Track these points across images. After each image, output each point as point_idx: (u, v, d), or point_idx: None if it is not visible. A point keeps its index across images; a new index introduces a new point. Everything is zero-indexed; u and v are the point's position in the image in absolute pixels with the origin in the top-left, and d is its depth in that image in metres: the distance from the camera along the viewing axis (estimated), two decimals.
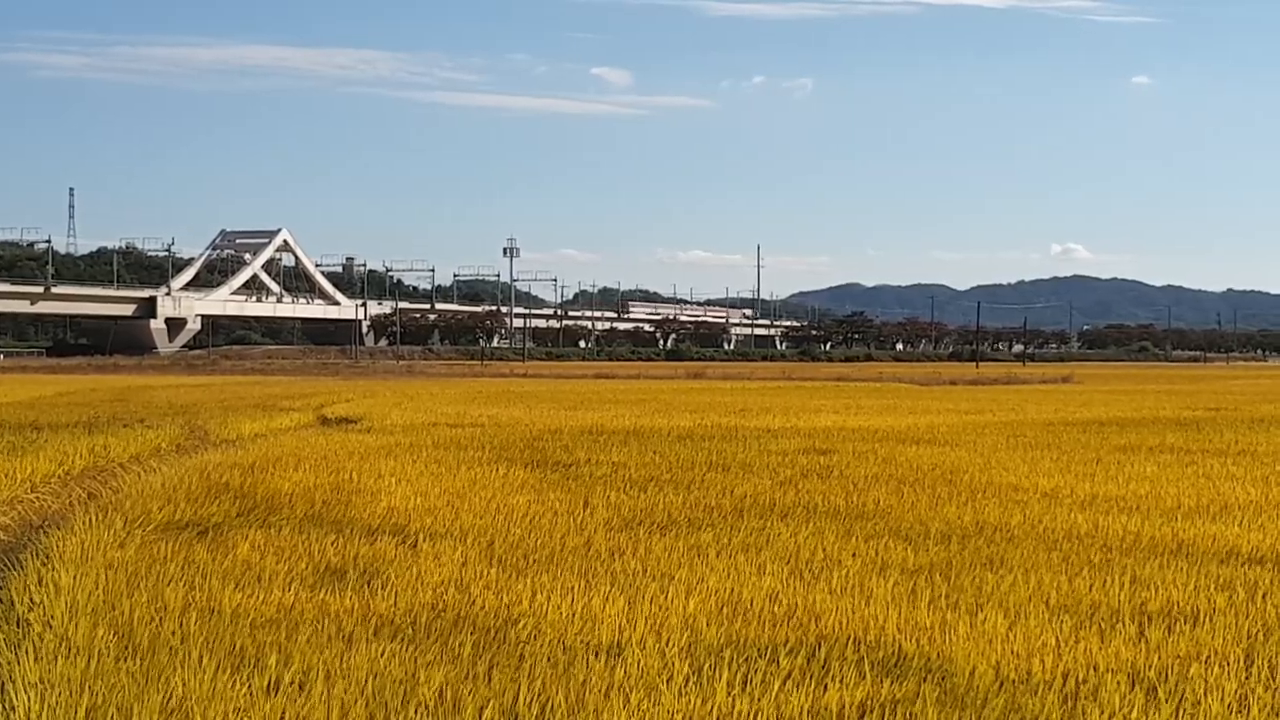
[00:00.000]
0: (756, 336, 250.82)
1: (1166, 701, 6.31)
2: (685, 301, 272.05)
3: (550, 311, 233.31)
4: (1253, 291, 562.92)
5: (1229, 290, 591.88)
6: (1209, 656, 7.10)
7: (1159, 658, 7.05)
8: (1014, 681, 6.60)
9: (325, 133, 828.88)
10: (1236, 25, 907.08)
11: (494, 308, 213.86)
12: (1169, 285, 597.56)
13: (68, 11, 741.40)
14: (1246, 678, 6.75)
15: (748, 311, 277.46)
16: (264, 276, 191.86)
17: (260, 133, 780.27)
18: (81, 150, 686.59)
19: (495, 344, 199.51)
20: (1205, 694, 6.44)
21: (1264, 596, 8.70)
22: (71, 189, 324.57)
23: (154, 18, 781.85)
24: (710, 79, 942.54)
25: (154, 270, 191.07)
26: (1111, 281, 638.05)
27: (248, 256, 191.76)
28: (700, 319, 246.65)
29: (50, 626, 7.48)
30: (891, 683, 6.54)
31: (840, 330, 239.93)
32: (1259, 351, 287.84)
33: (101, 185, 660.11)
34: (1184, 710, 6.26)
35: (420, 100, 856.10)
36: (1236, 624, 7.86)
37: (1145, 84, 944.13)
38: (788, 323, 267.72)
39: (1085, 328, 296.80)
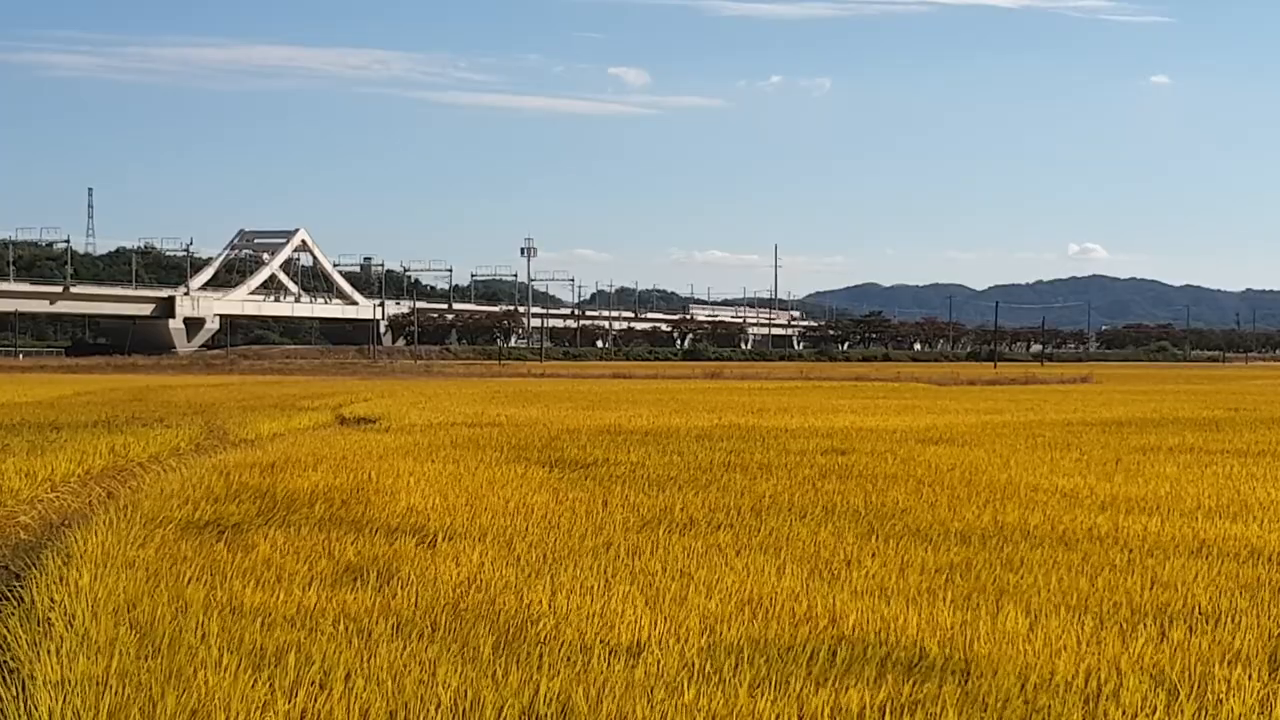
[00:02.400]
0: (774, 336, 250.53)
1: (1189, 701, 6.28)
2: (743, 303, 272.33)
3: (567, 311, 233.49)
4: (1272, 291, 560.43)
5: (1248, 290, 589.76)
6: (1231, 657, 7.07)
7: (1181, 658, 7.01)
8: (1035, 682, 6.58)
9: (341, 133, 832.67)
10: (1251, 25, 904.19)
11: (511, 308, 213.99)
12: (1187, 285, 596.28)
13: (78, 11, 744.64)
14: (1270, 678, 6.72)
15: (795, 313, 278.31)
16: (282, 276, 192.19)
17: (275, 133, 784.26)
18: (98, 150, 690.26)
19: (513, 344, 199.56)
20: (1228, 694, 6.42)
21: None
22: (90, 189, 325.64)
23: (164, 18, 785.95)
24: (726, 79, 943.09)
25: (172, 270, 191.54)
26: (1130, 281, 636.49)
27: (266, 256, 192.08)
28: (717, 319, 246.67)
29: (71, 626, 7.50)
30: (913, 683, 6.52)
31: (858, 330, 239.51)
32: (1278, 351, 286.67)
33: (119, 185, 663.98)
34: (1206, 711, 6.23)
35: (435, 100, 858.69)
36: (1259, 624, 7.82)
37: (1164, 84, 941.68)
38: (805, 322, 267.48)
39: (1103, 327, 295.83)
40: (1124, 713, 6.17)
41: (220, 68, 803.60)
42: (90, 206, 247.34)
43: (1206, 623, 7.86)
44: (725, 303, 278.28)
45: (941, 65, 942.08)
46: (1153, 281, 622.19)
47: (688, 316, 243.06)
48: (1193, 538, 11.13)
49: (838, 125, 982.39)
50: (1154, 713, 6.16)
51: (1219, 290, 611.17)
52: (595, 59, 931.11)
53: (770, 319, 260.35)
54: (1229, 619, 7.96)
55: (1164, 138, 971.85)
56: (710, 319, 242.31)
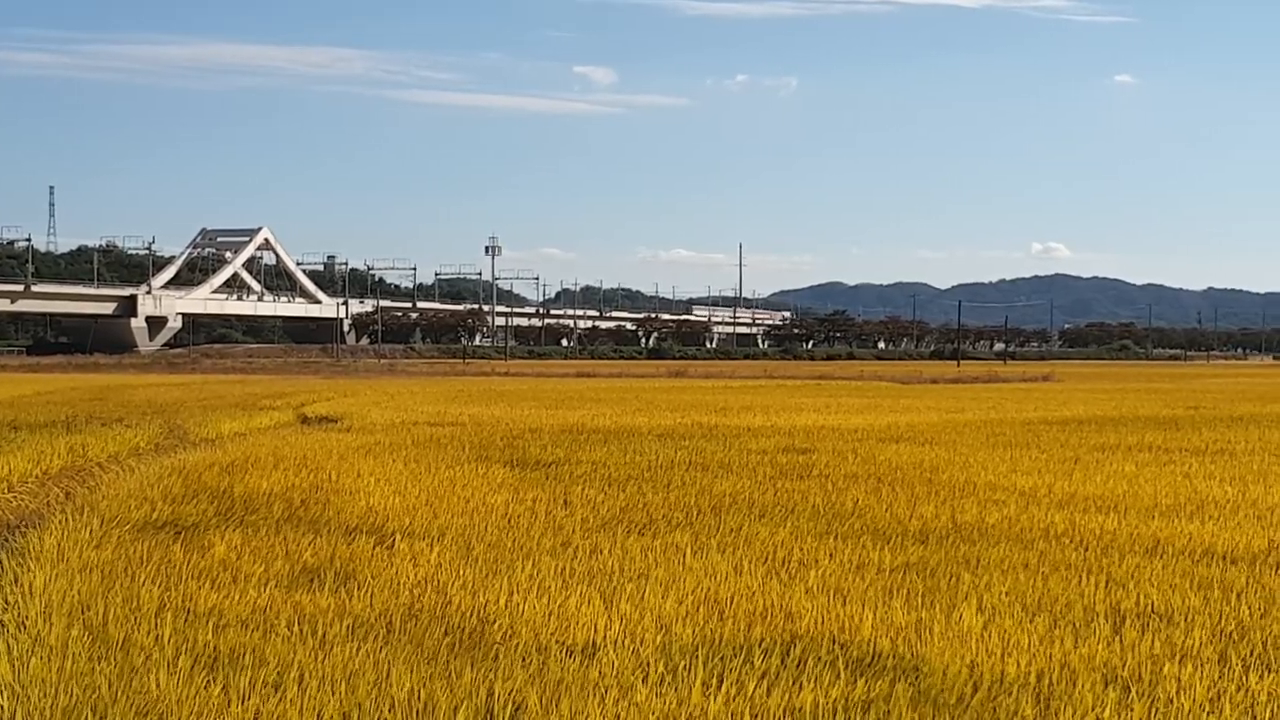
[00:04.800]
0: (739, 335, 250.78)
1: (1139, 700, 6.33)
2: (734, 303, 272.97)
3: (532, 310, 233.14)
4: (1233, 290, 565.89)
5: (1209, 289, 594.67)
6: (1183, 656, 7.13)
7: (1133, 657, 7.06)
8: (988, 681, 6.61)
9: (303, 131, 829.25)
10: (1213, 25, 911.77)
11: (476, 306, 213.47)
12: (1150, 284, 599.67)
13: (37, 9, 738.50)
14: (1219, 677, 6.78)
15: (786, 314, 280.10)
16: (245, 275, 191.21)
17: (237, 131, 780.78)
18: (59, 148, 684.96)
19: (477, 343, 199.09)
20: (1178, 693, 6.47)
21: (1239, 596, 8.74)
22: (51, 187, 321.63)
23: (124, 16, 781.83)
24: (692, 78, 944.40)
25: (134, 269, 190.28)
26: (1092, 280, 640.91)
27: (229, 255, 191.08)
28: (682, 317, 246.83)
29: (24, 627, 7.46)
30: (866, 682, 6.55)
31: (822, 329, 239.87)
32: (1239, 350, 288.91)
33: (81, 184, 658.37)
34: (1156, 709, 6.28)
35: (399, 99, 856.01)
36: (1211, 623, 7.89)
37: (1128, 83, 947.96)
38: (770, 320, 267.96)
39: (1066, 326, 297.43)
40: (1075, 711, 6.21)
41: (182, 66, 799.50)
42: (51, 205, 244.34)
43: (1159, 621, 7.92)
44: (693, 301, 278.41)
45: (906, 65, 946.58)
46: (1115, 280, 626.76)
47: (689, 316, 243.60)
48: (1148, 536, 11.21)
49: (803, 124, 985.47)
50: (1105, 711, 6.20)
51: (1181, 289, 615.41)
52: (560, 58, 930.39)
53: (734, 318, 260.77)
54: (1182, 618, 8.02)
55: (1127, 137, 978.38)
56: (675, 318, 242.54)
